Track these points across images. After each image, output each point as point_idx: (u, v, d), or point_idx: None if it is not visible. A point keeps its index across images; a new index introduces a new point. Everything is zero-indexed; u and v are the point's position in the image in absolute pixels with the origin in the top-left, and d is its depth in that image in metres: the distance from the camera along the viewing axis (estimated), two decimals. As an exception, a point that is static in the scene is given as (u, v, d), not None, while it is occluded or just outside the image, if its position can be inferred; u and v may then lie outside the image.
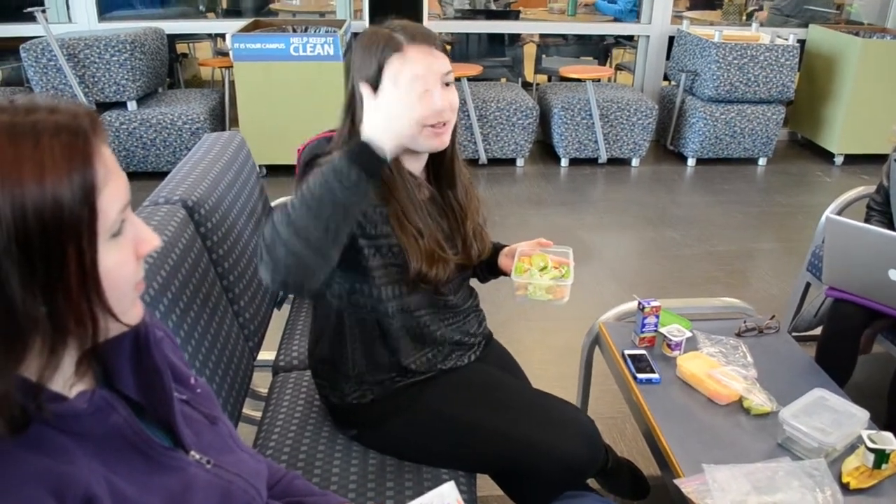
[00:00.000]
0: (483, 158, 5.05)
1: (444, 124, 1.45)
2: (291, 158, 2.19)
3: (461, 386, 1.58)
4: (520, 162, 5.17)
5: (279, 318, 2.23)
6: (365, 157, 1.20)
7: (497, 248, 1.75)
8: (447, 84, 1.45)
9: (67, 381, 0.76)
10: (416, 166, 1.54)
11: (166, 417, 0.86)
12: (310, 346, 1.68)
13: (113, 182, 0.72)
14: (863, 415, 1.58)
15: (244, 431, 2.00)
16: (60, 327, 0.70)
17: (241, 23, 4.97)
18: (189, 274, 1.57)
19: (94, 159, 0.70)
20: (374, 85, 1.40)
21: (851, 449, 1.53)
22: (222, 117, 5.05)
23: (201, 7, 7.07)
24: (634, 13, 6.21)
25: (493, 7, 6.79)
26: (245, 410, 1.94)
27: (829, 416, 1.56)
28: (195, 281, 1.59)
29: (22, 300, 0.66)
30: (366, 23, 5.06)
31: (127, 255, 0.75)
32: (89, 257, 0.70)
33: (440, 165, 1.58)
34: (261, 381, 2.24)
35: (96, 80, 4.47)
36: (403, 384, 1.56)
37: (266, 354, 2.10)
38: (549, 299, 1.57)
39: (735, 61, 4.91)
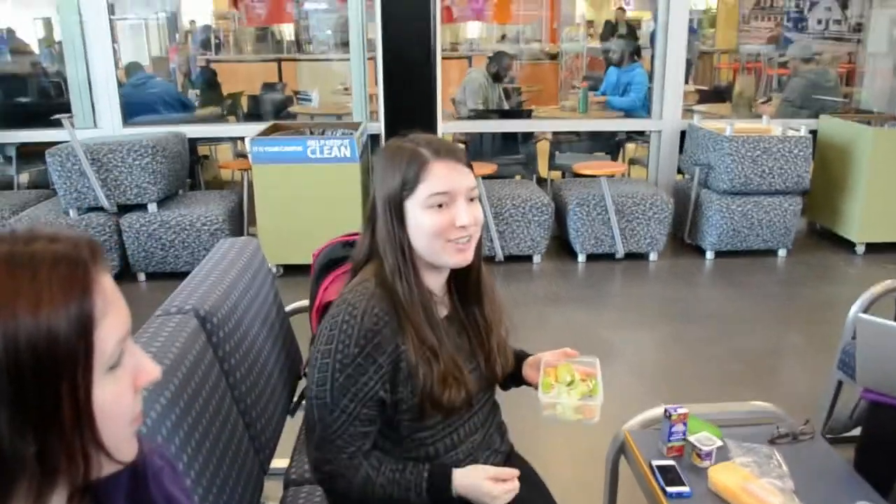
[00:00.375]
0: (499, 255, 5.04)
1: (469, 240, 1.43)
2: (307, 258, 2.19)
3: None
4: (536, 258, 5.15)
5: (293, 424, 2.17)
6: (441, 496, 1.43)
7: (520, 357, 1.70)
8: (471, 199, 1.43)
9: None
10: (436, 282, 1.51)
11: None
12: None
13: (112, 313, 0.69)
14: (911, 531, 1.48)
15: (254, 550, 1.92)
16: (50, 467, 0.66)
17: (259, 126, 5.09)
18: (199, 386, 1.52)
19: (92, 290, 0.67)
20: (398, 202, 1.40)
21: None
22: (240, 218, 5.11)
23: (224, 111, 7.27)
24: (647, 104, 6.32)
25: (505, 106, 6.92)
26: (256, 527, 1.86)
27: (874, 532, 1.46)
28: (205, 393, 1.54)
29: (10, 439, 0.62)
30: (381, 125, 5.16)
31: (124, 387, 0.71)
32: (83, 392, 0.66)
33: (465, 281, 1.55)
34: (273, 492, 2.16)
35: (118, 182, 4.55)
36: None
37: (279, 462, 2.02)
38: (579, 419, 1.51)
39: (748, 154, 4.93)
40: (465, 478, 1.45)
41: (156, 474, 0.84)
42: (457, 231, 1.40)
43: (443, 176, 1.39)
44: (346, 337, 1.38)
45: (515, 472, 1.48)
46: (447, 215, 1.39)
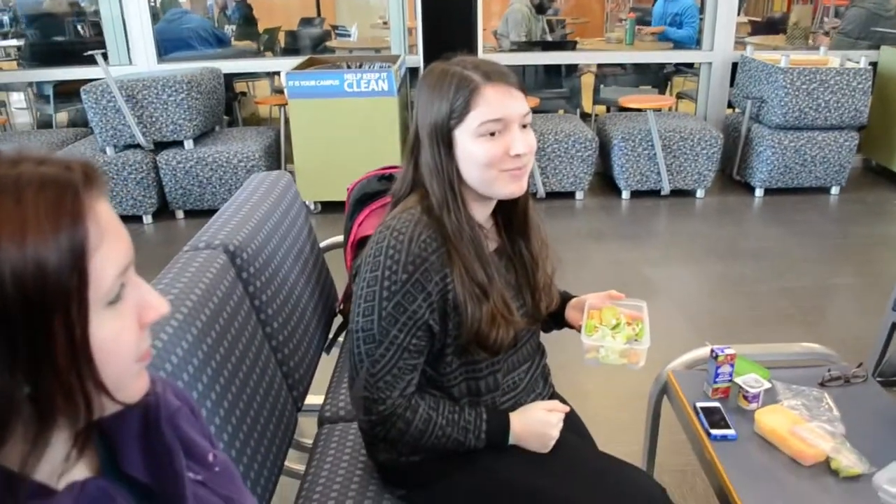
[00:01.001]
0: (541, 192, 4.93)
1: (522, 168, 1.33)
2: (345, 195, 2.13)
3: (521, 448, 1.45)
4: (579, 195, 5.04)
5: (329, 361, 2.14)
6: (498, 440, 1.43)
7: (564, 299, 1.63)
8: (525, 126, 1.33)
9: (56, 469, 0.67)
10: (483, 213, 1.41)
11: (177, 503, 0.76)
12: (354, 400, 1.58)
13: (109, 243, 0.64)
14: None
15: (287, 486, 1.92)
16: (46, 408, 0.61)
17: (296, 60, 5.00)
18: (228, 322, 1.49)
19: (85, 217, 0.61)
20: (446, 131, 1.30)
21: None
22: (277, 155, 5.07)
23: (261, 47, 7.18)
24: (692, 30, 6.08)
25: (549, 38, 6.71)
26: (289, 464, 1.85)
27: (931, 481, 1.38)
28: (234, 330, 1.50)
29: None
30: (420, 58, 5.04)
31: (126, 324, 0.66)
32: (79, 328, 0.61)
33: (512, 213, 1.45)
34: (308, 428, 2.15)
35: (154, 119, 4.52)
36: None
37: (314, 398, 2.01)
38: (623, 363, 1.44)
39: (804, 86, 4.71)
40: (521, 418, 1.44)
41: (171, 416, 0.80)
42: (511, 160, 1.30)
43: (495, 102, 1.28)
44: (392, 263, 1.29)
45: (565, 408, 1.49)
46: (501, 144, 1.29)
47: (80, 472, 0.70)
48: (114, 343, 0.64)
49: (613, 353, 1.44)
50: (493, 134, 1.29)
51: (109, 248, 0.64)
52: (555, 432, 1.44)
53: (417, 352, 1.34)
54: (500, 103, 1.29)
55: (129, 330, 0.66)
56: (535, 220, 1.48)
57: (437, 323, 1.33)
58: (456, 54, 1.38)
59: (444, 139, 1.31)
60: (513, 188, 1.34)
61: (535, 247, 1.47)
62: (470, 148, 1.30)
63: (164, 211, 4.80)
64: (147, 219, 4.71)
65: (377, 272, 1.30)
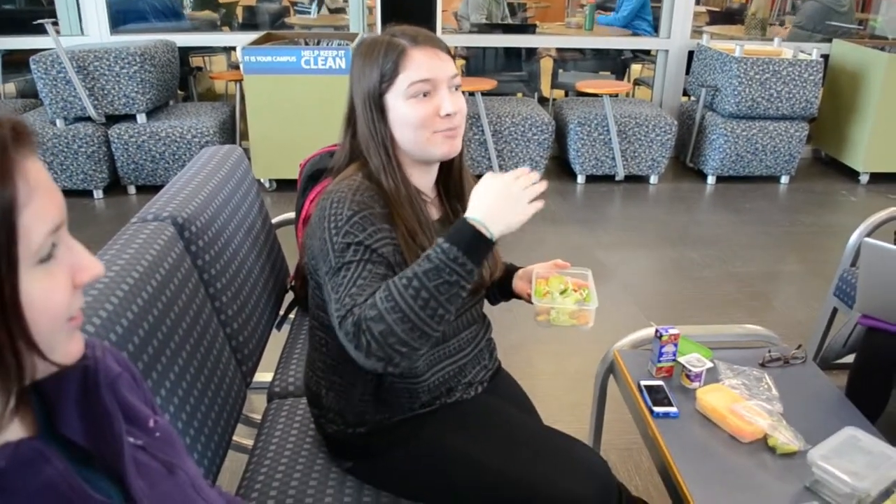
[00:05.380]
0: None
1: (454, 128, 1.36)
2: (298, 172, 2.11)
3: (466, 420, 1.47)
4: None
5: (279, 337, 2.13)
6: (478, 248, 1.19)
7: (510, 270, 1.64)
8: (455, 88, 1.36)
9: None
10: (425, 181, 1.44)
11: (116, 466, 0.75)
12: (305, 374, 1.58)
13: (39, 200, 0.63)
14: (899, 456, 1.45)
15: (237, 461, 1.91)
16: None
17: (252, 35, 4.92)
18: (175, 295, 1.47)
19: (13, 174, 0.60)
20: (378, 96, 1.33)
21: (886, 494, 1.40)
22: (233, 131, 5.00)
23: (218, 21, 7.05)
24: (643, 22, 6.13)
25: (509, 21, 6.71)
26: (238, 438, 1.85)
27: (862, 457, 1.43)
28: (182, 302, 1.49)
29: None
30: (379, 36, 5.00)
31: (58, 283, 0.65)
32: (8, 284, 0.60)
33: (448, 178, 1.48)
34: (259, 405, 2.15)
35: (106, 92, 4.42)
36: (404, 416, 1.45)
37: (265, 376, 2.00)
38: (574, 324, 1.47)
39: (757, 76, 4.79)
40: (477, 203, 1.23)
41: (112, 382, 0.79)
42: (442, 120, 1.33)
43: (423, 63, 1.31)
44: (336, 210, 1.27)
45: (525, 170, 1.29)
46: (431, 104, 1.33)
47: (15, 432, 0.69)
48: (45, 301, 0.64)
49: (564, 314, 1.46)
50: (425, 95, 1.32)
51: (40, 206, 0.63)
52: (515, 191, 1.24)
53: (380, 264, 1.27)
54: (428, 64, 1.32)
55: (60, 289, 0.66)
56: (471, 184, 1.48)
57: (391, 255, 1.29)
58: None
59: (377, 105, 1.34)
60: (446, 148, 1.36)
61: None
62: (402, 110, 1.33)
63: (115, 186, 4.70)
64: (98, 193, 4.61)
65: (324, 223, 1.29)
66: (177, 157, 4.54)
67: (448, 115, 1.33)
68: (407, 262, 1.30)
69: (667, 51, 5.57)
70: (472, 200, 1.24)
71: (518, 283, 1.62)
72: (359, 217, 1.28)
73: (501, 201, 1.23)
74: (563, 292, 1.50)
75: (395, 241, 1.31)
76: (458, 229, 1.20)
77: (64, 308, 0.66)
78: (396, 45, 1.32)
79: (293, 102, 4.41)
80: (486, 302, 1.66)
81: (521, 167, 1.30)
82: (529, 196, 1.25)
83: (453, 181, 1.49)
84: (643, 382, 1.73)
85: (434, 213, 1.46)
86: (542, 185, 1.27)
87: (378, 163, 1.35)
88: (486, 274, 1.50)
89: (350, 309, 1.20)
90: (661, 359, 1.76)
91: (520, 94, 5.96)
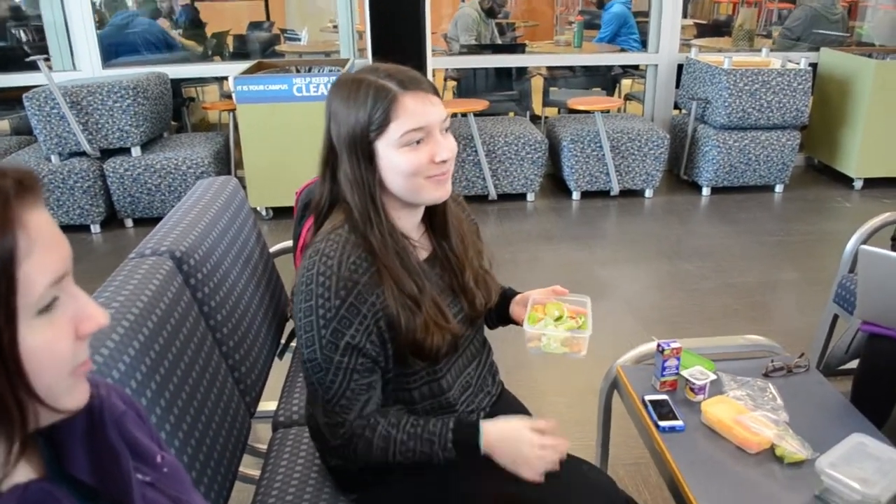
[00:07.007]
0: (493, 194, 4.97)
1: (446, 173, 1.34)
2: (294, 200, 2.11)
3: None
4: (530, 196, 5.08)
5: (282, 366, 2.13)
6: (466, 453, 1.34)
7: (508, 296, 1.64)
8: (446, 130, 1.34)
9: None
10: (411, 223, 1.41)
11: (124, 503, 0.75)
12: (306, 409, 1.57)
13: (41, 251, 0.63)
14: (908, 463, 1.45)
15: (243, 492, 1.90)
16: None
17: (244, 65, 4.95)
18: (176, 329, 1.47)
19: (13, 226, 0.61)
20: (366, 143, 1.29)
21: (897, 501, 1.40)
22: (227, 160, 5.01)
23: (208, 51, 7.09)
24: (629, 39, 6.19)
25: (499, 41, 6.76)
26: (243, 469, 1.83)
27: (870, 464, 1.43)
28: (182, 337, 1.49)
29: None
30: (369, 61, 5.02)
31: (60, 333, 0.65)
32: (8, 336, 0.60)
33: (433, 216, 1.45)
34: (264, 434, 2.14)
35: (100, 126, 4.43)
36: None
37: (269, 405, 1.99)
38: (565, 352, 1.46)
39: (746, 87, 4.82)
40: (495, 425, 1.34)
41: (118, 419, 0.79)
42: (436, 167, 1.31)
43: (415, 111, 1.27)
44: (324, 290, 1.28)
45: (550, 424, 1.36)
46: (424, 152, 1.29)
47: (24, 474, 0.69)
48: (45, 352, 0.63)
49: (555, 341, 1.46)
50: (418, 143, 1.29)
51: (42, 257, 0.63)
52: (529, 451, 1.31)
53: (367, 370, 1.33)
54: (421, 111, 1.28)
55: (62, 340, 0.65)
56: (457, 218, 1.49)
57: (376, 345, 1.33)
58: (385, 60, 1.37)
59: (364, 151, 1.30)
60: (438, 194, 1.35)
61: (456, 246, 1.46)
62: (394, 159, 1.29)
63: (112, 220, 4.71)
64: (95, 228, 4.62)
65: (311, 301, 1.30)
66: (172, 188, 4.56)
67: (443, 160, 1.31)
68: (392, 313, 1.31)
69: (656, 65, 5.61)
70: (496, 436, 1.34)
71: (515, 309, 1.61)
72: (345, 309, 1.28)
73: (515, 455, 1.32)
74: (558, 319, 1.49)
75: (383, 306, 1.31)
76: (466, 441, 1.33)
77: (66, 358, 0.66)
78: (386, 91, 1.27)
79: (287, 130, 4.42)
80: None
81: (561, 440, 1.35)
82: (544, 466, 1.31)
83: (437, 220, 1.46)
84: (647, 397, 1.73)
85: (422, 253, 1.44)
86: (562, 450, 1.34)
87: (363, 209, 1.32)
88: (477, 305, 1.49)
89: (341, 421, 1.34)
90: (665, 373, 1.76)
91: (512, 114, 5.99)
